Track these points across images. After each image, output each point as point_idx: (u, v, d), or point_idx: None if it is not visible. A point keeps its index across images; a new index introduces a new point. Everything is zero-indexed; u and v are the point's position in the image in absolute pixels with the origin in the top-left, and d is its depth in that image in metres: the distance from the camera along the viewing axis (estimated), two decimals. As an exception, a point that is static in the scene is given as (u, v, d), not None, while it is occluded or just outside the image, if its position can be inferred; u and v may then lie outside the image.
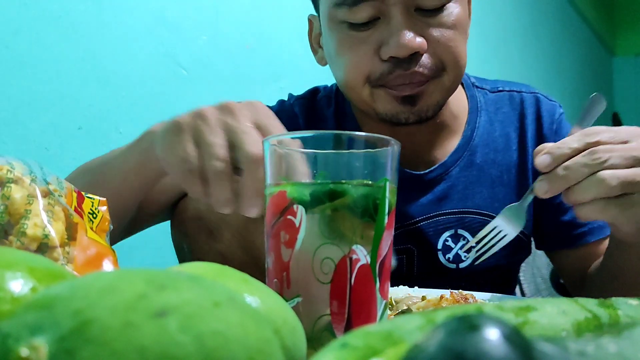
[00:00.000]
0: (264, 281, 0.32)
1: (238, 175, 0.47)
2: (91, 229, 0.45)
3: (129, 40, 1.11)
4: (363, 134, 0.39)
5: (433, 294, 0.59)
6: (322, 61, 0.81)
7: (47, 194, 0.41)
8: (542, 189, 0.54)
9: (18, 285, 0.23)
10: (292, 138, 0.39)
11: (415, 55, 0.68)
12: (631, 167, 0.52)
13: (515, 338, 0.17)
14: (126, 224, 0.70)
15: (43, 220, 0.40)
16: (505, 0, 2.73)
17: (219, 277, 0.29)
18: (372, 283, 0.37)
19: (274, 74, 1.45)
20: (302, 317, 0.32)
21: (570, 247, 0.81)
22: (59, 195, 0.42)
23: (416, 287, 0.62)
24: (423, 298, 0.56)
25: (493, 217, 0.58)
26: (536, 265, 1.55)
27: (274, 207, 0.38)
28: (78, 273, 0.40)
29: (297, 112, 0.85)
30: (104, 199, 0.50)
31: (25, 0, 0.94)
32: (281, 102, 0.88)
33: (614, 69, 5.07)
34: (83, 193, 0.48)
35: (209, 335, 0.19)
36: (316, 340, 0.36)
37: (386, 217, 0.38)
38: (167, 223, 0.76)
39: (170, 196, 0.72)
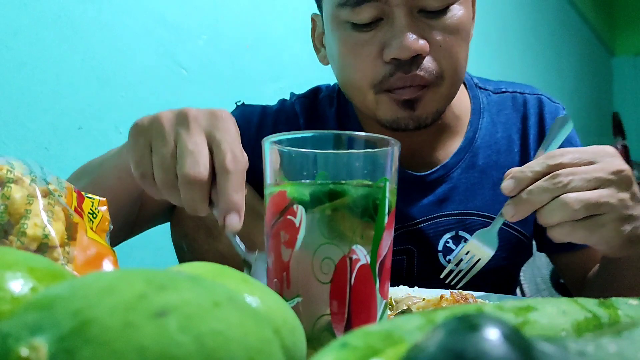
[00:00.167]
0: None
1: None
2: (91, 229, 0.45)
3: (129, 41, 1.11)
4: (363, 134, 0.39)
5: (433, 294, 0.59)
6: (324, 60, 0.81)
7: (47, 194, 0.41)
8: (509, 212, 0.55)
9: (18, 285, 0.23)
10: (292, 137, 0.39)
11: (416, 58, 0.68)
12: (595, 188, 0.53)
13: (515, 338, 0.17)
14: (127, 224, 0.70)
15: (43, 220, 0.40)
16: (505, 0, 2.73)
17: (219, 277, 0.29)
18: (372, 283, 0.37)
19: (274, 74, 1.45)
20: (302, 317, 0.32)
21: (570, 250, 0.82)
22: (59, 195, 0.42)
23: (416, 287, 0.62)
24: (423, 299, 0.56)
25: (494, 219, 0.58)
26: (536, 265, 1.56)
27: (274, 207, 0.38)
28: (78, 273, 0.40)
29: (298, 111, 0.85)
30: (104, 199, 0.50)
31: (25, 0, 0.94)
32: (282, 101, 0.88)
33: (614, 68, 5.07)
34: (83, 193, 0.48)
35: (209, 335, 0.19)
36: (316, 340, 0.36)
37: (386, 217, 0.38)
38: (167, 223, 0.76)
39: None
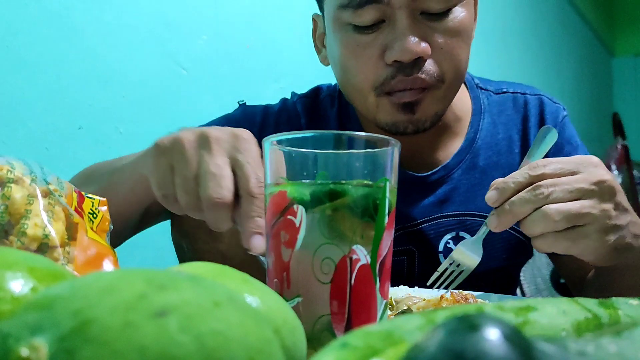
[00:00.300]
0: (264, 281, 0.32)
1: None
2: (91, 229, 0.45)
3: (129, 40, 1.11)
4: (363, 133, 0.39)
5: (433, 294, 0.59)
6: (325, 61, 0.81)
7: (47, 194, 0.41)
8: (492, 223, 0.56)
9: (18, 285, 0.23)
10: (293, 137, 0.39)
11: (418, 61, 0.67)
12: (577, 199, 0.53)
13: (516, 338, 0.17)
14: (132, 229, 0.70)
15: (43, 220, 0.40)
16: (505, 0, 2.73)
17: (219, 277, 0.29)
18: (372, 283, 0.37)
19: (274, 74, 1.45)
20: (302, 317, 0.32)
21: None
22: (59, 195, 0.42)
23: (416, 287, 0.62)
24: (423, 300, 0.56)
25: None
26: (536, 265, 1.56)
27: (274, 207, 0.38)
28: (78, 273, 0.40)
29: (300, 111, 0.85)
30: (104, 199, 0.50)
31: (25, 0, 0.94)
32: (284, 101, 0.88)
33: (614, 69, 5.07)
34: (83, 193, 0.48)
35: (209, 335, 0.19)
36: (316, 340, 0.36)
37: (386, 217, 0.38)
38: (167, 223, 0.76)
39: None
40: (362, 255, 0.37)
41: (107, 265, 0.43)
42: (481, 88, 0.86)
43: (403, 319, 0.23)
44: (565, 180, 0.53)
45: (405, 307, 0.53)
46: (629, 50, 5.02)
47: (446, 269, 0.61)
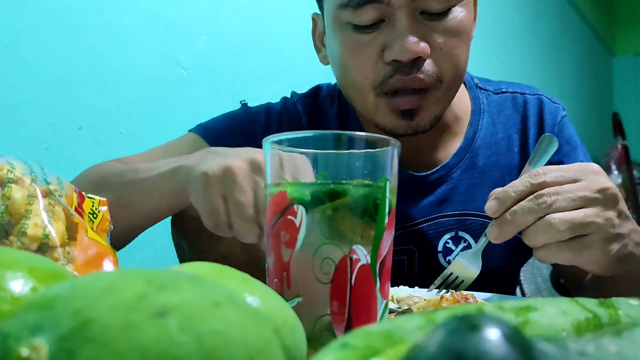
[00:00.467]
0: (264, 281, 0.32)
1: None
2: (91, 229, 0.45)
3: (129, 40, 1.11)
4: (363, 133, 0.39)
5: (433, 294, 0.59)
6: (324, 60, 0.81)
7: (47, 194, 0.41)
8: (492, 234, 0.54)
9: (18, 285, 0.23)
10: (293, 137, 0.39)
11: (417, 61, 0.67)
12: (580, 207, 0.51)
13: (516, 338, 0.17)
14: (138, 234, 0.70)
15: (43, 220, 0.40)
16: (505, 0, 2.73)
17: (219, 277, 0.29)
18: (372, 283, 0.37)
19: (274, 74, 1.45)
20: (302, 317, 0.32)
21: None
22: (59, 195, 0.42)
23: (416, 288, 0.62)
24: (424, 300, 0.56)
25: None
26: (536, 265, 1.56)
27: (274, 207, 0.38)
28: (78, 273, 0.40)
29: (301, 111, 0.85)
30: (104, 199, 0.50)
31: (25, 0, 0.94)
32: (285, 100, 0.88)
33: (614, 68, 5.07)
34: (83, 193, 0.48)
35: (209, 335, 0.19)
36: (316, 340, 0.36)
37: (386, 217, 0.38)
38: (167, 223, 0.76)
39: None
40: (362, 255, 0.37)
41: (107, 265, 0.43)
42: (480, 88, 0.86)
43: (403, 319, 0.23)
44: (568, 189, 0.52)
45: (407, 307, 0.53)
46: (629, 50, 5.02)
47: (445, 280, 0.61)
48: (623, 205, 0.54)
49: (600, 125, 4.39)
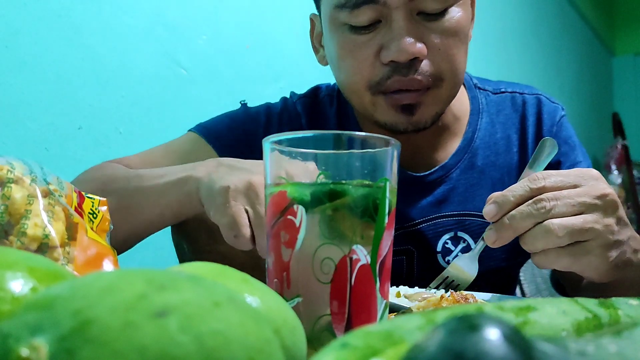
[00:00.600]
0: (264, 281, 0.32)
1: None
2: (91, 229, 0.45)
3: (129, 40, 1.11)
4: (363, 134, 0.39)
5: (433, 294, 0.59)
6: (323, 61, 0.81)
7: (47, 194, 0.41)
8: (490, 238, 0.53)
9: (18, 285, 0.23)
10: (293, 138, 0.39)
11: (414, 61, 0.67)
12: (579, 213, 0.51)
13: (516, 338, 0.17)
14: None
15: (43, 220, 0.40)
16: (505, 0, 2.73)
17: (219, 277, 0.29)
18: (372, 283, 0.37)
19: (274, 74, 1.45)
20: (302, 317, 0.32)
21: None
22: (59, 195, 0.42)
23: (416, 287, 0.62)
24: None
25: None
26: (536, 265, 1.55)
27: (274, 207, 0.38)
28: (78, 273, 0.40)
29: (300, 111, 0.85)
30: (104, 199, 0.50)
31: (25, 0, 0.94)
32: (284, 100, 0.88)
33: (614, 68, 5.07)
34: (83, 193, 0.48)
35: (209, 335, 0.19)
36: (316, 340, 0.36)
37: (386, 217, 0.38)
38: (167, 223, 0.75)
39: None
40: (362, 255, 0.37)
41: (107, 265, 0.43)
42: (479, 88, 0.86)
43: (403, 319, 0.23)
44: (567, 194, 0.51)
45: (419, 301, 0.53)
46: (629, 50, 5.02)
47: (441, 283, 0.61)
48: (622, 212, 0.54)
49: (600, 125, 4.39)
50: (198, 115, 0.92)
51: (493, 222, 0.54)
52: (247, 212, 0.52)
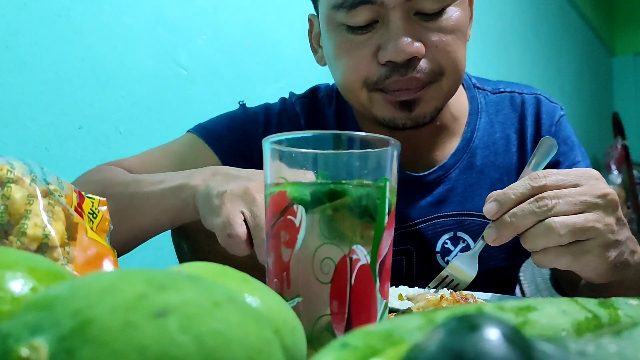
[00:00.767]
0: (264, 281, 0.32)
1: None
2: (91, 229, 0.45)
3: (129, 40, 1.11)
4: (363, 134, 0.39)
5: (433, 294, 0.59)
6: (321, 61, 0.81)
7: (47, 194, 0.41)
8: (490, 236, 0.53)
9: (18, 285, 0.23)
10: (292, 138, 0.39)
11: (412, 60, 0.67)
12: (580, 212, 0.51)
13: (515, 338, 0.17)
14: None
15: (43, 220, 0.40)
16: (505, 0, 2.73)
17: (219, 277, 0.29)
18: (372, 283, 0.37)
19: (274, 74, 1.45)
20: (302, 317, 0.32)
21: None
22: (59, 195, 0.42)
23: (416, 288, 0.62)
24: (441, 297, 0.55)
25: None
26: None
27: (274, 207, 0.38)
28: (78, 273, 0.40)
29: (299, 112, 0.85)
30: (104, 199, 0.50)
31: (25, 0, 0.94)
32: (283, 100, 0.88)
33: (614, 68, 5.07)
34: (83, 193, 0.48)
35: (209, 335, 0.19)
36: (316, 340, 0.36)
37: (386, 217, 0.38)
38: (167, 223, 0.75)
39: None
40: (362, 255, 0.37)
41: (107, 265, 0.43)
42: (478, 88, 0.86)
43: (403, 319, 0.23)
44: (569, 192, 0.51)
45: (422, 303, 0.53)
46: (629, 50, 5.02)
47: (440, 282, 0.61)
48: (620, 212, 0.54)
49: (600, 125, 4.39)
50: (198, 115, 0.92)
51: (493, 221, 0.54)
52: (244, 214, 0.51)
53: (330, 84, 0.89)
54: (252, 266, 0.51)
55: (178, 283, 0.21)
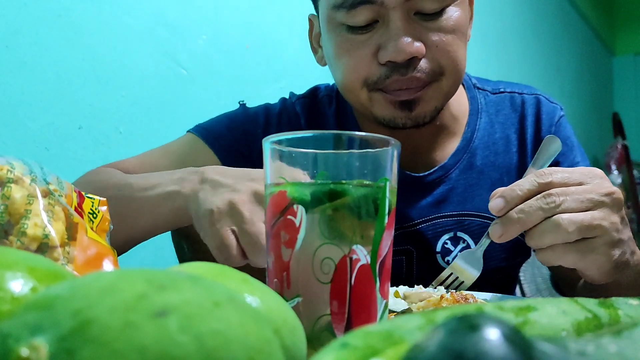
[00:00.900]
0: (264, 281, 0.32)
1: None
2: (91, 229, 0.45)
3: (129, 40, 1.11)
4: (363, 134, 0.39)
5: (433, 294, 0.59)
6: (321, 61, 0.81)
7: (47, 194, 0.41)
8: (496, 232, 0.53)
9: (18, 285, 0.23)
10: (292, 138, 0.39)
11: (413, 60, 0.67)
12: (587, 210, 0.51)
13: (515, 338, 0.17)
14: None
15: (43, 220, 0.40)
16: (505, 0, 2.73)
17: (219, 277, 0.29)
18: (372, 283, 0.37)
19: (274, 74, 1.45)
20: (302, 317, 0.32)
21: None
22: (59, 195, 0.42)
23: (416, 287, 0.62)
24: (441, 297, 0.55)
25: (493, 220, 0.57)
26: (536, 265, 1.55)
27: (274, 207, 0.38)
28: (78, 273, 0.40)
29: (299, 112, 0.85)
30: (104, 199, 0.50)
31: (25, 0, 0.94)
32: (283, 101, 0.88)
33: (614, 68, 5.07)
34: (83, 193, 0.48)
35: (209, 335, 0.19)
36: (316, 340, 0.36)
37: (386, 217, 0.38)
38: (167, 223, 0.75)
39: None
40: (362, 255, 0.37)
41: (107, 265, 0.43)
42: (478, 88, 0.86)
43: (403, 319, 0.23)
44: (575, 190, 0.52)
45: (422, 303, 0.53)
46: (629, 49, 5.02)
47: (443, 281, 0.60)
48: (624, 212, 0.54)
49: (600, 125, 4.39)
50: (198, 115, 0.92)
51: (499, 217, 0.53)
52: (234, 232, 0.51)
53: (331, 84, 0.89)
54: (252, 266, 0.51)
55: (178, 283, 0.21)
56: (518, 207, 0.52)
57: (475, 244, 0.59)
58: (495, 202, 0.53)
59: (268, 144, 0.39)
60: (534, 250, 0.86)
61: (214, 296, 0.21)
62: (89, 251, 0.42)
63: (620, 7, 4.98)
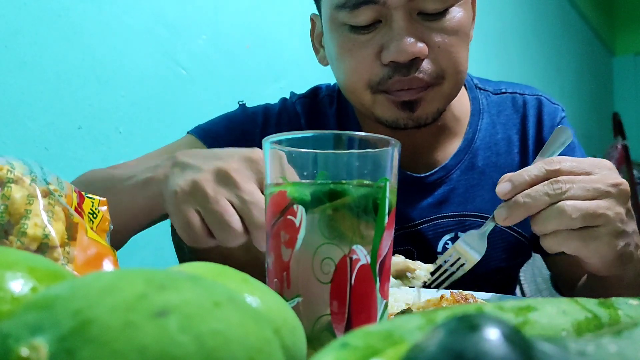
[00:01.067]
0: (264, 281, 0.32)
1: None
2: (91, 229, 0.45)
3: (129, 40, 1.11)
4: (363, 134, 0.39)
5: (433, 294, 0.59)
6: (323, 61, 0.81)
7: (47, 194, 0.41)
8: (501, 216, 0.54)
9: (18, 285, 0.23)
10: (292, 138, 0.39)
11: (415, 61, 0.67)
12: (593, 198, 0.52)
13: (515, 338, 0.17)
14: (133, 234, 0.70)
15: (43, 220, 0.40)
16: (505, 0, 2.73)
17: (219, 277, 0.29)
18: (372, 283, 0.37)
19: (274, 74, 1.45)
20: (302, 317, 0.32)
21: (564, 254, 0.81)
22: (59, 195, 0.42)
23: (416, 287, 0.62)
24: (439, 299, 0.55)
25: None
26: (536, 265, 1.56)
27: (274, 207, 0.38)
28: (78, 273, 0.40)
29: (299, 111, 0.85)
30: (104, 199, 0.50)
31: (25, 0, 0.94)
32: (283, 100, 0.88)
33: (614, 68, 5.07)
34: (83, 193, 0.48)
35: (209, 335, 0.19)
36: (316, 340, 0.36)
37: (386, 217, 0.38)
38: (167, 223, 0.76)
39: None
40: (362, 255, 0.37)
41: (107, 265, 0.43)
42: (480, 88, 0.86)
43: (403, 319, 0.23)
44: (582, 179, 0.52)
45: (422, 303, 0.52)
46: (629, 49, 5.02)
47: (446, 260, 0.60)
48: (630, 204, 0.55)
49: (600, 125, 4.39)
50: (198, 115, 0.92)
51: (505, 201, 0.54)
52: (200, 212, 0.50)
53: (332, 84, 0.88)
54: (252, 266, 0.51)
55: (178, 283, 0.21)
56: (524, 191, 0.53)
57: (485, 222, 0.59)
58: (503, 186, 0.54)
59: (268, 144, 0.39)
60: (535, 250, 0.86)
61: (214, 296, 0.21)
62: (89, 251, 0.42)
63: (620, 7, 4.98)
